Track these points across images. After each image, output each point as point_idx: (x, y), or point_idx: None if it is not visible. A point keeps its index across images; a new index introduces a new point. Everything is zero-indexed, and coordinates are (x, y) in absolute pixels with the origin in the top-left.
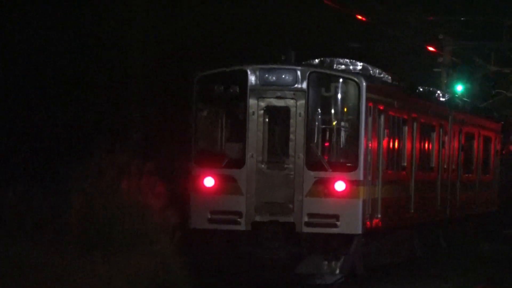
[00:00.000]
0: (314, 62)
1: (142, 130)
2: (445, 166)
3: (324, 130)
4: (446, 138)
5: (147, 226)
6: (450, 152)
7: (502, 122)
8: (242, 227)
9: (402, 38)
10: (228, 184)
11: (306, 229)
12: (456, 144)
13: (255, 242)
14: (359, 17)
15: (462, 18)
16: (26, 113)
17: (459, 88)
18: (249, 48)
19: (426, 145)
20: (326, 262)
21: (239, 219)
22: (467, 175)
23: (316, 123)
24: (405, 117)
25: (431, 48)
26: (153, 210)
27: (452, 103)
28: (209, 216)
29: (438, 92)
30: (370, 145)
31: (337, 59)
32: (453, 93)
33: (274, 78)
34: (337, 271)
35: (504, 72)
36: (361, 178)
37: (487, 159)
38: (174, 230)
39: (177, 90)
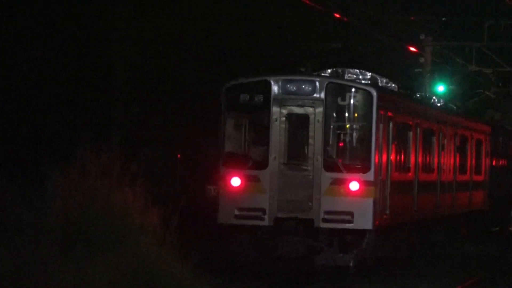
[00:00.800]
0: (327, 72)
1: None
2: (444, 168)
3: (339, 135)
4: (445, 141)
5: (129, 226)
6: (447, 154)
7: (491, 125)
8: (265, 223)
9: (383, 38)
10: (253, 184)
11: (324, 225)
12: (452, 147)
13: (277, 236)
14: (338, 16)
15: (443, 18)
16: (7, 112)
17: (441, 88)
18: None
19: (428, 148)
20: (341, 255)
21: (263, 215)
22: (461, 175)
23: (333, 129)
24: (410, 122)
25: (412, 49)
26: (135, 210)
27: (448, 108)
28: (236, 213)
29: (434, 97)
30: (380, 149)
31: (348, 69)
32: (435, 94)
33: (295, 88)
34: (351, 263)
35: (485, 72)
36: (373, 179)
37: (479, 160)
38: (155, 229)
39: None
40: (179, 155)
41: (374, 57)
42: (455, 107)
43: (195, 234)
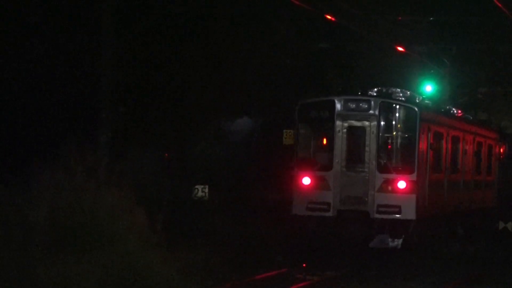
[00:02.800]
0: (374, 91)
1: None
2: (465, 169)
3: (390, 144)
4: (466, 147)
5: (116, 226)
6: (468, 158)
7: (499, 132)
8: (330, 214)
9: (371, 38)
10: (320, 183)
11: (377, 216)
12: (471, 151)
13: (339, 225)
14: (328, 17)
15: (431, 18)
16: None
17: (429, 88)
18: None
19: (454, 152)
20: (391, 239)
21: (328, 208)
22: (477, 176)
23: (384, 139)
24: (442, 132)
25: (400, 48)
26: (123, 210)
27: (466, 117)
28: (307, 206)
29: (453, 109)
30: (421, 154)
31: (391, 88)
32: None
33: (354, 105)
34: (399, 246)
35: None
36: (416, 179)
37: (490, 162)
38: (143, 229)
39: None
40: (166, 155)
41: (363, 57)
42: (471, 117)
43: (183, 233)
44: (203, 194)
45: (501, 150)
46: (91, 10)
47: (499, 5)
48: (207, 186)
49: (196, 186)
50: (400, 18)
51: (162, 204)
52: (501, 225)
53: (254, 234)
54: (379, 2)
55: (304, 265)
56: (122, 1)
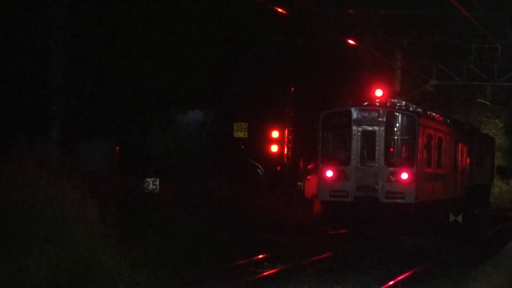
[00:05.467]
0: (377, 101)
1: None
2: (446, 164)
3: (395, 144)
4: (446, 146)
5: (67, 219)
6: (449, 155)
7: (470, 131)
8: (348, 199)
9: (323, 32)
10: (340, 175)
11: (385, 201)
12: (449, 149)
13: (356, 208)
14: (281, 10)
15: (382, 11)
16: None
17: (379, 93)
18: None
19: (438, 150)
20: (396, 219)
21: (347, 195)
22: (455, 169)
23: (391, 140)
24: (432, 133)
25: (351, 42)
26: (74, 203)
27: (446, 121)
28: (330, 193)
29: (446, 118)
30: (419, 152)
31: (390, 99)
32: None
33: (366, 114)
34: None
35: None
36: (415, 171)
37: (465, 157)
38: (94, 222)
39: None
40: (117, 148)
41: (318, 50)
42: (448, 120)
43: (135, 226)
44: (154, 187)
45: (472, 146)
46: (41, 2)
47: None
48: (158, 179)
49: (147, 179)
50: (351, 10)
51: (114, 197)
52: (452, 217)
53: (205, 227)
54: None
55: (256, 257)
56: None
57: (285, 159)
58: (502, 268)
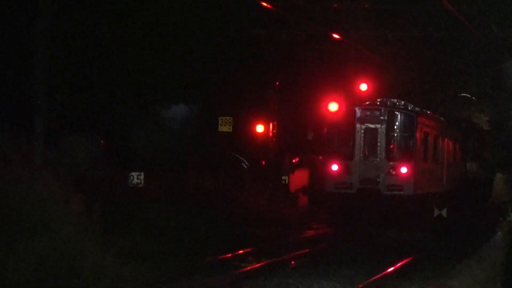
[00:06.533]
0: (377, 101)
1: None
2: (441, 159)
3: (395, 140)
4: (442, 142)
5: (52, 213)
6: (443, 150)
7: (464, 129)
8: (352, 191)
9: (308, 26)
10: (345, 168)
11: (386, 192)
12: (444, 146)
13: (359, 199)
14: (264, 4)
15: (366, 6)
16: None
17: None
18: None
19: (435, 147)
20: (396, 210)
21: (351, 187)
22: (449, 164)
23: (391, 136)
24: (428, 131)
25: (336, 36)
26: (58, 197)
27: (441, 119)
28: (335, 185)
29: (441, 116)
30: (418, 147)
31: (390, 99)
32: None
33: (369, 113)
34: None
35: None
36: (414, 165)
37: (459, 154)
38: (79, 217)
39: None
40: (102, 142)
41: (303, 44)
42: (442, 118)
43: (120, 221)
44: (139, 181)
45: (467, 143)
46: None
47: None
48: (142, 173)
49: (132, 173)
50: (336, 5)
51: (98, 191)
52: (436, 212)
53: (189, 222)
54: None
55: (240, 251)
56: None
57: (270, 153)
58: (486, 262)
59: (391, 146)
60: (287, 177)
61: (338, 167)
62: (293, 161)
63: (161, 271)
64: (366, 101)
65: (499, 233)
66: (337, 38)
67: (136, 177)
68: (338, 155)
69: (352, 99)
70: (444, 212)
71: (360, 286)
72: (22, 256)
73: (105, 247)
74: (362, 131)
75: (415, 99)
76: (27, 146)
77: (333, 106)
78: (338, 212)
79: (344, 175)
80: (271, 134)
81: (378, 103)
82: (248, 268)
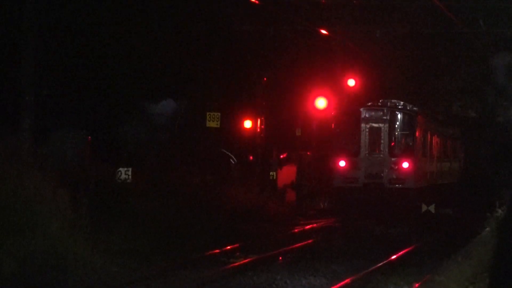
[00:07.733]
0: (379, 102)
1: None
2: (437, 155)
3: (397, 137)
4: (438, 140)
5: (39, 209)
6: (440, 147)
7: (462, 129)
8: (359, 185)
9: (295, 21)
10: (352, 164)
11: (389, 186)
12: (442, 144)
13: (365, 192)
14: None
15: (354, 1)
16: None
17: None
18: None
19: (431, 144)
20: (398, 202)
21: (357, 181)
22: (447, 161)
23: (393, 134)
24: (426, 129)
25: (323, 31)
26: (46, 193)
27: (438, 118)
28: (343, 180)
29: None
30: (417, 144)
31: (390, 100)
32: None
33: (373, 113)
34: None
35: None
36: (414, 160)
37: (457, 151)
38: (66, 213)
39: None
40: (89, 137)
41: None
42: (442, 116)
43: (107, 216)
44: (127, 176)
45: (465, 141)
46: None
47: None
48: (130, 169)
49: (120, 169)
50: (324, 1)
51: (86, 187)
52: (424, 208)
53: (177, 217)
54: None
55: (228, 247)
56: None
57: (258, 149)
58: (474, 258)
59: (393, 143)
60: (274, 173)
61: (346, 163)
62: (281, 156)
63: (149, 266)
64: (368, 102)
65: (487, 228)
66: (325, 34)
67: (124, 173)
68: (345, 152)
69: (357, 101)
70: (432, 208)
71: (348, 280)
72: (9, 251)
73: (93, 243)
74: (367, 130)
75: (403, 95)
76: (15, 142)
77: (321, 103)
78: (346, 204)
79: (351, 170)
80: (259, 130)
81: (380, 103)
82: (236, 263)
